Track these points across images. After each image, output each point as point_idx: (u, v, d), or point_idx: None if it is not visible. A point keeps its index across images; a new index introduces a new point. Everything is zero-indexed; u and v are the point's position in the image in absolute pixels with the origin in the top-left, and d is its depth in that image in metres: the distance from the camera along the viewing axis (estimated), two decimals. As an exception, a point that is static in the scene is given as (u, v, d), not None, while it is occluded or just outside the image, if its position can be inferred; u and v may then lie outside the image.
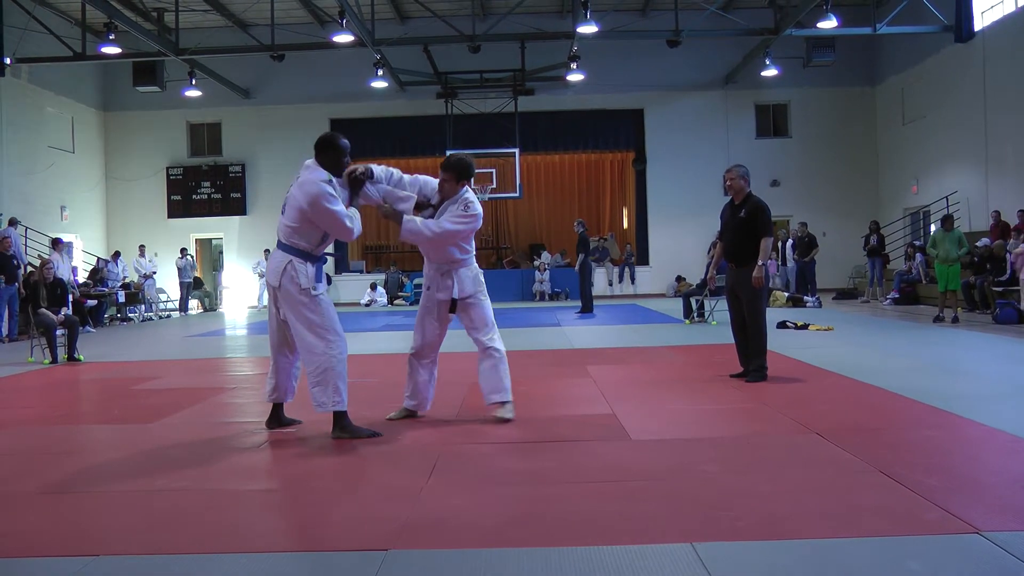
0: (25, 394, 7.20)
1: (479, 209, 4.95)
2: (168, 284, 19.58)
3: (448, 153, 19.29)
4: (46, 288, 9.70)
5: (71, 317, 9.58)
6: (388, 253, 22.70)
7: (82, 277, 16.47)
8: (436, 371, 5.22)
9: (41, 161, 18.23)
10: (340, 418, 4.63)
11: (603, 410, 5.36)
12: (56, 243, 15.10)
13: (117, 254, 18.25)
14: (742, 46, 19.05)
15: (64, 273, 13.73)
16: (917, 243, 16.95)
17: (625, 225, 22.79)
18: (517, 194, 19.82)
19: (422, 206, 4.89)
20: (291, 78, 20.36)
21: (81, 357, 9.30)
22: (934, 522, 3.00)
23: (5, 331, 12.30)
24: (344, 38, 15.87)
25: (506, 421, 4.96)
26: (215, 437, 4.90)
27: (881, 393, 5.71)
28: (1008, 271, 12.37)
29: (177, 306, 19.13)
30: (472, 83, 20.00)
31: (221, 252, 21.86)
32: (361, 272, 21.39)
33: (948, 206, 16.47)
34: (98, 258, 18.60)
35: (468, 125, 20.10)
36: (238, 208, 21.02)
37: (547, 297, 20.00)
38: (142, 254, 18.71)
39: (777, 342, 8.24)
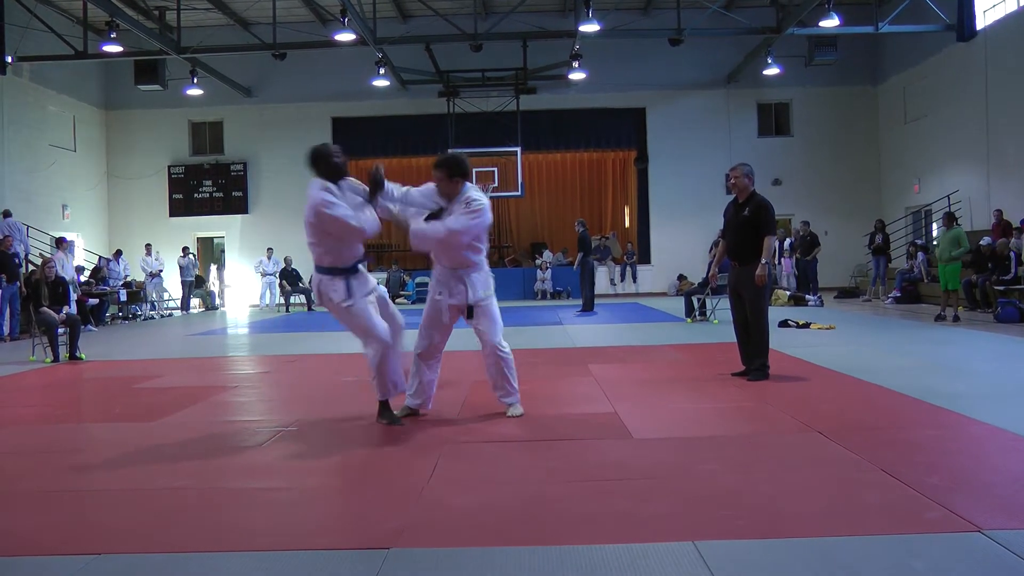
0: (27, 393, 7.20)
1: (485, 203, 4.87)
2: (170, 283, 19.60)
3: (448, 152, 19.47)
4: (47, 287, 9.70)
5: (72, 316, 9.58)
6: (390, 252, 22.68)
7: (85, 276, 16.49)
8: (439, 369, 5.22)
9: (43, 159, 18.25)
10: (381, 406, 5.00)
11: (605, 408, 5.36)
12: (60, 242, 15.11)
13: (119, 253, 18.26)
14: (744, 45, 19.04)
15: (68, 272, 13.75)
16: (919, 242, 16.93)
17: (627, 224, 22.78)
18: (519, 193, 19.82)
19: (435, 214, 4.85)
20: (293, 77, 20.35)
21: (83, 356, 9.31)
22: (936, 521, 3.00)
23: (7, 330, 12.31)
24: (346, 37, 15.87)
25: (518, 416, 5.07)
26: (216, 436, 4.90)
27: (883, 392, 5.71)
28: (1013, 270, 12.35)
29: (179, 305, 19.15)
30: (474, 82, 19.99)
31: (223, 251, 21.87)
32: (362, 271, 21.32)
33: (950, 205, 16.45)
34: (99, 257, 18.62)
35: (470, 124, 20.10)
36: (240, 207, 21.03)
37: (549, 296, 20.01)
38: (148, 252, 18.72)
39: (779, 341, 8.23)
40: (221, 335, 13.05)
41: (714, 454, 4.09)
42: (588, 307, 14.68)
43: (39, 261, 12.80)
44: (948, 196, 16.94)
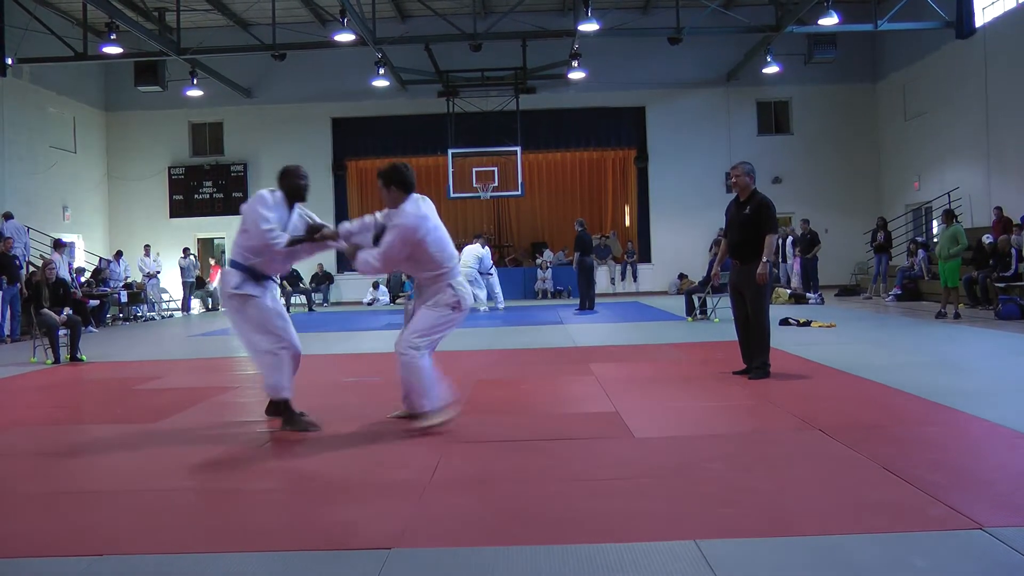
0: (28, 394, 7.20)
1: (408, 220, 4.51)
2: (170, 284, 19.60)
3: (449, 152, 19.51)
4: (48, 288, 9.70)
5: (73, 317, 9.58)
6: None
7: (85, 277, 16.50)
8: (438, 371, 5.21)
9: (43, 161, 18.24)
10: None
11: (606, 408, 5.36)
12: (58, 244, 15.11)
13: (119, 254, 18.27)
14: (744, 43, 19.01)
15: (63, 274, 13.73)
16: (919, 239, 16.93)
17: (627, 223, 22.77)
18: (519, 192, 19.81)
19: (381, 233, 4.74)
20: (292, 77, 20.34)
21: (84, 357, 9.31)
22: (938, 518, 3.00)
23: (8, 331, 12.31)
24: (345, 37, 15.86)
25: (427, 427, 4.68)
26: (217, 437, 4.90)
27: (884, 389, 5.71)
28: (1013, 267, 12.34)
29: (179, 306, 19.15)
30: (473, 81, 19.99)
31: (223, 252, 21.86)
32: (363, 271, 21.34)
33: (950, 202, 16.45)
34: (100, 258, 18.62)
35: (470, 123, 20.10)
36: (240, 208, 20.96)
37: (549, 295, 20.01)
38: (147, 253, 18.72)
39: (780, 339, 8.22)
40: (221, 336, 13.04)
41: (715, 453, 4.09)
42: (586, 306, 14.68)
43: (40, 263, 12.79)
44: (948, 193, 16.93)
